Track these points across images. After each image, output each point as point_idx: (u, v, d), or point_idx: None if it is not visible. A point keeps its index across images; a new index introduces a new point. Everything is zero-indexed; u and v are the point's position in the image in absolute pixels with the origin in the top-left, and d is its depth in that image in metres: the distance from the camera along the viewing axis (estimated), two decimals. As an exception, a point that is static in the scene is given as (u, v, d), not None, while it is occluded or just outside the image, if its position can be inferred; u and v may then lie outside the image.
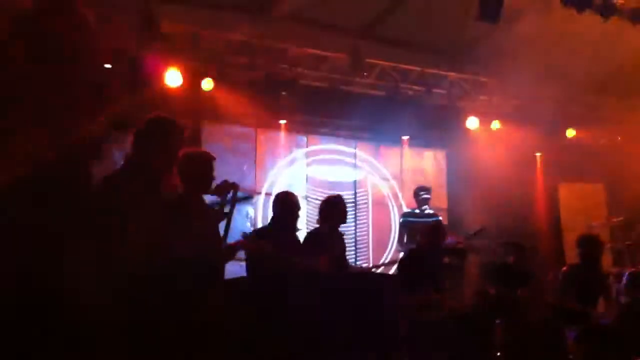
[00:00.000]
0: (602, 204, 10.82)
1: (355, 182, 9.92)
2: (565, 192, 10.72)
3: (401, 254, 7.72)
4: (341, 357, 2.51)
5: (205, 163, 3.96)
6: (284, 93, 8.62)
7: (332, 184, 9.63)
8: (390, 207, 10.04)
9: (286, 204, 5.63)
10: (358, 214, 9.75)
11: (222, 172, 4.13)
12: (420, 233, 6.79)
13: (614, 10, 7.50)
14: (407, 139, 10.09)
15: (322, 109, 9.32)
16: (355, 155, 10.01)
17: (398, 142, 10.11)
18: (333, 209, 6.00)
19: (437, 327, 5.68)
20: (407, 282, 6.17)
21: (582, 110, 10.40)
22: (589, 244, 6.80)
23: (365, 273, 4.06)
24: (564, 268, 6.97)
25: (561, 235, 10.30)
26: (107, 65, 7.66)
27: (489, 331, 5.84)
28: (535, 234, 9.49)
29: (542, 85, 9.89)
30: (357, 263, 9.20)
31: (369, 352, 2.54)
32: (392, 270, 6.45)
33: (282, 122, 9.25)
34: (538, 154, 10.46)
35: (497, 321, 5.95)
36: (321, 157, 9.84)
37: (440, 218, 8.54)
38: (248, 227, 8.34)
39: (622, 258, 9.32)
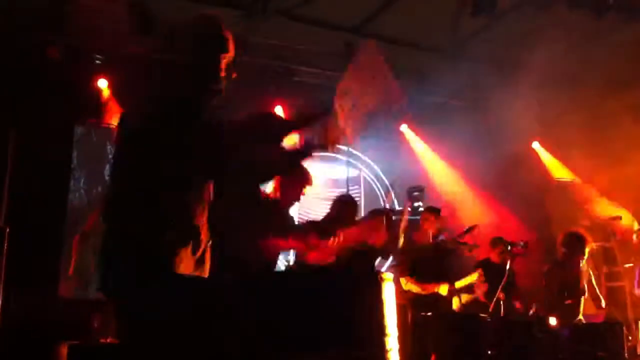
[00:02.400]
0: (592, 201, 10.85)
1: (348, 179, 9.92)
2: (557, 190, 10.75)
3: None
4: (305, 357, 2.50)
5: None
6: (277, 89, 8.61)
7: (325, 181, 9.63)
8: (382, 205, 10.04)
9: None
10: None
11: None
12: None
13: (607, 7, 7.51)
14: (401, 136, 10.08)
15: (315, 105, 9.29)
16: (348, 153, 10.01)
17: (392, 139, 10.11)
18: None
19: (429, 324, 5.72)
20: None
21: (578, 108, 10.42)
22: (571, 242, 6.86)
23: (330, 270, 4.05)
24: (548, 266, 7.04)
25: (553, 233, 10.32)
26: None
27: (480, 330, 5.85)
28: (527, 231, 9.50)
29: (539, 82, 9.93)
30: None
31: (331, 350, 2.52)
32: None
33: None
34: (536, 143, 10.44)
35: (488, 319, 5.97)
36: (314, 153, 9.82)
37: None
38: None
39: (612, 257, 9.36)
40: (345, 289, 2.71)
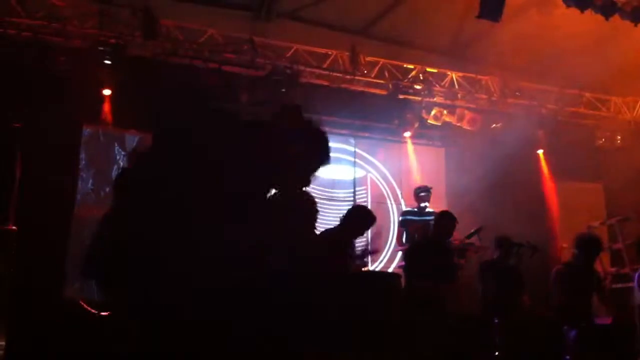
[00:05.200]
0: (601, 203, 10.83)
1: (354, 180, 9.92)
2: (564, 191, 10.71)
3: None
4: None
5: None
6: (283, 90, 8.62)
7: (332, 182, 9.63)
8: (390, 206, 10.03)
9: None
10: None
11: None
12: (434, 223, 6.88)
13: (615, 9, 7.52)
14: (407, 137, 10.07)
15: (321, 107, 9.31)
16: (354, 154, 10.01)
17: (398, 140, 10.11)
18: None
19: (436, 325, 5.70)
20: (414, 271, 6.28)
21: (581, 110, 10.43)
22: (585, 244, 6.82)
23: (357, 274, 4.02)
24: (559, 267, 7.00)
25: (558, 234, 10.31)
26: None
27: (487, 331, 5.83)
28: (534, 232, 9.49)
29: (542, 84, 9.94)
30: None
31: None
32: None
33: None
34: (540, 151, 10.44)
35: (495, 321, 5.95)
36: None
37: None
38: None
39: (620, 258, 9.32)
40: (357, 288, 2.71)
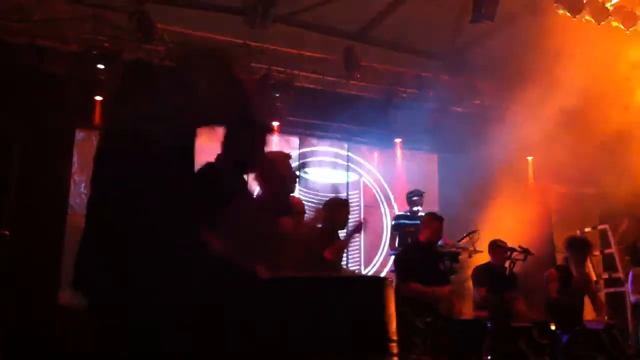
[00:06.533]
0: (595, 208, 10.85)
1: (347, 184, 9.94)
2: (558, 196, 10.74)
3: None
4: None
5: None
6: (277, 95, 8.64)
7: (325, 186, 9.65)
8: (382, 210, 10.05)
9: None
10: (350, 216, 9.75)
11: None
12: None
13: (606, 14, 7.57)
14: (400, 142, 10.10)
15: (315, 111, 9.34)
16: (348, 158, 10.03)
17: (391, 144, 10.13)
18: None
19: (429, 329, 5.71)
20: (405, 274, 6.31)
21: (575, 114, 10.46)
22: (572, 246, 6.86)
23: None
24: (550, 269, 7.04)
25: (552, 239, 10.33)
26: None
27: (479, 335, 5.84)
28: (529, 237, 9.50)
29: (535, 89, 9.95)
30: (348, 266, 9.20)
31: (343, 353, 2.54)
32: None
33: (275, 123, 9.24)
34: (530, 158, 10.49)
35: (488, 325, 5.96)
36: (314, 159, 9.85)
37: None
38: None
39: (612, 263, 9.36)
40: (351, 292, 2.72)
